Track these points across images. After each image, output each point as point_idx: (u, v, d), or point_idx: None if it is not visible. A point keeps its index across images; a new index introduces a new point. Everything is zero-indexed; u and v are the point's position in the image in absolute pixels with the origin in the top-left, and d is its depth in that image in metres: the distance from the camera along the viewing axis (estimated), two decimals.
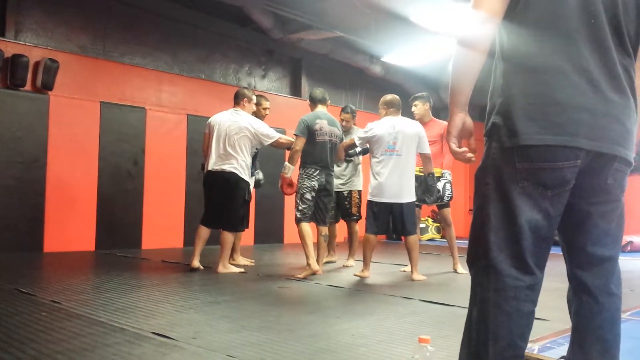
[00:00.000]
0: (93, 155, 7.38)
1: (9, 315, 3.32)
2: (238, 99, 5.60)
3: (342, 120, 6.29)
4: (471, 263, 1.73)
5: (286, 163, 5.37)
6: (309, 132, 5.30)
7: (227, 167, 5.34)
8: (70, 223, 7.11)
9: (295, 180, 5.40)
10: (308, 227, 5.28)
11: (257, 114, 5.93)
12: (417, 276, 5.20)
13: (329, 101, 5.74)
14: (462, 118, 1.70)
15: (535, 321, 1.68)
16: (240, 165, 5.36)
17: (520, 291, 1.62)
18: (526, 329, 1.64)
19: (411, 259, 5.24)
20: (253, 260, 6.24)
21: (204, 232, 5.45)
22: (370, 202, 5.21)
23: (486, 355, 1.61)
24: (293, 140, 5.39)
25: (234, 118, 5.44)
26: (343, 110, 6.44)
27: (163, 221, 7.91)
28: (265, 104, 6.17)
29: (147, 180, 7.84)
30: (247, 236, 8.39)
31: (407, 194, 5.15)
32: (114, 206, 7.51)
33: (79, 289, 4.37)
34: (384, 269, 6.02)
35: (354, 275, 5.34)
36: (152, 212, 7.83)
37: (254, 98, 5.75)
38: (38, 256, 6.55)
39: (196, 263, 5.42)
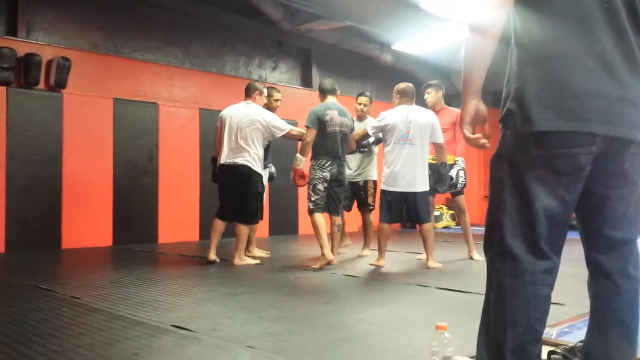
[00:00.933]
0: (108, 151, 7.44)
1: (31, 311, 3.37)
2: (249, 92, 5.61)
3: (361, 104, 6.21)
4: (487, 249, 1.73)
5: (297, 155, 5.38)
6: (320, 123, 5.30)
7: (239, 160, 5.35)
8: (87, 219, 7.18)
9: (307, 171, 5.41)
10: (321, 218, 5.29)
11: (269, 106, 5.94)
12: (432, 264, 5.20)
13: (339, 91, 5.73)
14: (475, 105, 1.70)
15: (552, 306, 1.68)
16: (253, 158, 5.37)
17: (537, 275, 1.62)
18: (544, 313, 1.65)
19: (426, 246, 5.24)
20: (268, 252, 6.27)
21: (219, 225, 5.48)
22: (383, 191, 5.21)
23: (504, 340, 1.61)
24: (304, 132, 5.39)
25: (245, 111, 5.45)
26: (361, 94, 6.35)
27: (179, 215, 7.96)
28: (277, 95, 6.18)
29: (162, 175, 7.89)
30: (262, 228, 8.41)
31: (421, 183, 5.14)
32: (129, 201, 7.57)
33: (98, 284, 4.42)
34: (399, 257, 6.02)
35: (369, 264, 5.35)
36: (168, 206, 7.89)
37: (265, 91, 5.76)
38: (56, 253, 6.63)
39: (212, 256, 5.45)
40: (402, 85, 5.41)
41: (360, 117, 6.20)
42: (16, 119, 6.74)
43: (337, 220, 5.49)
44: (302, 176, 5.39)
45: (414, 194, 5.10)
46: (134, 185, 7.66)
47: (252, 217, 5.53)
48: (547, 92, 1.57)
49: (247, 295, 3.96)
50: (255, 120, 5.39)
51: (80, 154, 7.19)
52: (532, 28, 1.63)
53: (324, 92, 5.54)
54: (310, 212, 5.30)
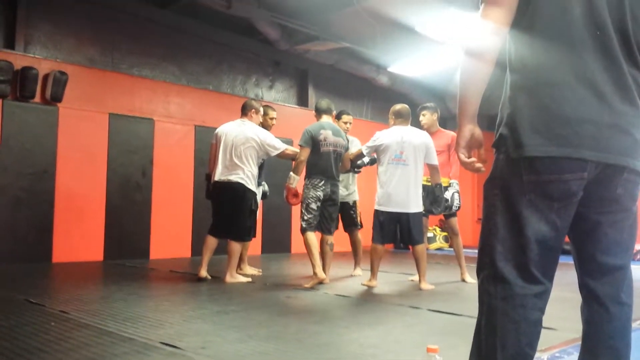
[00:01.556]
0: (102, 166, 7.42)
1: (19, 325, 3.33)
2: (245, 110, 5.62)
3: (347, 122, 6.15)
4: (479, 272, 1.73)
5: (291, 173, 5.39)
6: (314, 142, 5.31)
7: (233, 178, 5.35)
8: (78, 234, 7.14)
9: (300, 190, 5.41)
10: (314, 237, 5.28)
11: (264, 124, 5.95)
12: (425, 285, 5.18)
13: (335, 112, 5.75)
14: (470, 129, 1.71)
15: (544, 330, 1.68)
16: (247, 176, 5.37)
17: (528, 299, 1.62)
18: (534, 337, 1.64)
19: (419, 268, 5.23)
20: (260, 270, 6.24)
21: (211, 242, 5.46)
22: (376, 211, 5.20)
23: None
24: (298, 151, 5.40)
25: (241, 129, 5.46)
26: (345, 113, 6.25)
27: (171, 231, 7.92)
28: (272, 114, 6.19)
29: (155, 191, 7.86)
30: (255, 246, 8.37)
31: (414, 204, 5.14)
32: (122, 217, 7.54)
33: (87, 299, 4.38)
34: (391, 278, 6.00)
35: (362, 284, 5.32)
36: (160, 222, 7.85)
37: (262, 110, 5.78)
38: (47, 267, 6.58)
39: (204, 273, 5.42)
40: (397, 106, 5.45)
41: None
42: (11, 131, 6.72)
43: (330, 239, 5.47)
44: (295, 195, 5.39)
45: (407, 214, 5.10)
46: (126, 200, 7.62)
47: (245, 235, 5.51)
48: (539, 118, 1.58)
49: (237, 314, 3.93)
50: (250, 138, 5.39)
51: (74, 168, 7.16)
52: (525, 54, 1.64)
53: (319, 112, 5.57)
54: (303, 231, 5.29)
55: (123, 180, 7.61)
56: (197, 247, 7.20)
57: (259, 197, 5.86)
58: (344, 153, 5.53)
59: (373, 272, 5.26)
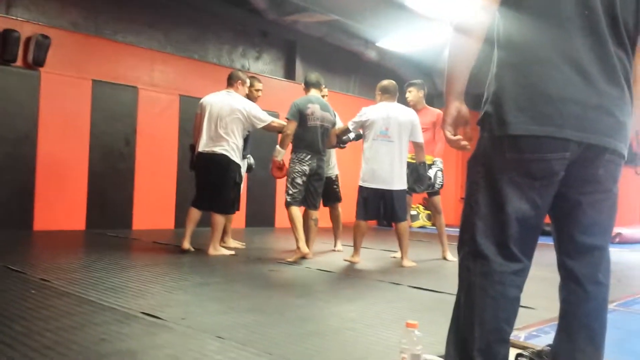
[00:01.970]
0: (84, 133, 7.34)
1: None
2: (232, 81, 5.57)
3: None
4: (459, 248, 1.76)
5: (277, 147, 5.37)
6: (301, 116, 5.29)
7: (217, 149, 5.32)
8: (60, 201, 7.09)
9: (286, 164, 5.40)
10: (298, 211, 5.29)
11: (250, 96, 5.90)
12: (407, 262, 5.24)
13: (323, 85, 5.72)
14: (457, 106, 1.71)
15: (522, 309, 1.71)
16: (232, 147, 5.34)
17: (506, 276, 1.65)
18: (512, 313, 1.67)
19: (401, 245, 5.27)
20: (244, 243, 6.25)
21: (194, 214, 5.45)
22: (361, 188, 5.22)
23: (472, 338, 1.63)
24: (285, 124, 5.38)
25: (227, 100, 5.41)
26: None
27: (154, 202, 7.90)
28: (258, 85, 6.14)
29: (139, 161, 7.81)
30: (239, 219, 8.38)
31: (398, 181, 5.16)
32: (105, 185, 7.49)
33: (68, 268, 4.37)
34: (374, 254, 6.05)
35: (344, 260, 5.36)
36: (144, 192, 7.82)
37: (248, 81, 5.73)
38: (28, 234, 6.54)
39: (187, 245, 5.42)
40: (384, 82, 5.43)
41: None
42: None
43: (315, 214, 5.49)
44: (280, 168, 5.38)
45: (391, 191, 5.12)
46: (109, 169, 7.57)
47: (229, 207, 5.51)
48: (524, 97, 1.59)
49: (219, 286, 3.94)
50: (235, 110, 5.35)
51: (56, 134, 7.08)
52: (513, 31, 1.64)
53: (307, 85, 5.53)
54: (287, 205, 5.30)
55: (106, 149, 7.55)
56: (180, 219, 7.19)
57: (243, 169, 5.85)
58: (331, 128, 5.51)
59: (356, 248, 5.30)
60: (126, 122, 7.73)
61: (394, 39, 9.59)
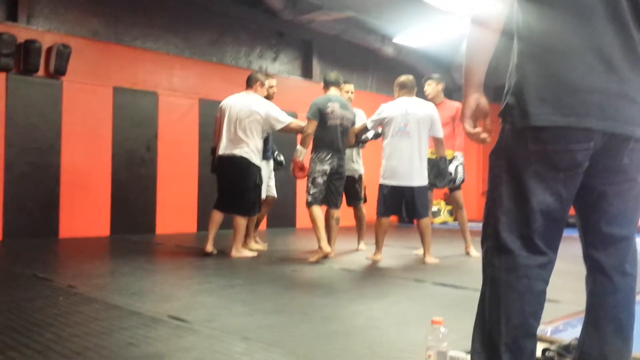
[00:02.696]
0: (106, 140, 7.43)
1: (27, 300, 3.38)
2: (251, 82, 5.60)
3: (348, 92, 6.09)
4: (483, 243, 1.74)
5: (298, 146, 5.38)
6: (321, 115, 5.29)
7: (237, 152, 5.34)
8: (84, 209, 7.19)
9: (307, 164, 5.41)
10: (319, 211, 5.30)
11: (266, 95, 5.95)
12: (429, 259, 5.22)
13: (343, 84, 5.71)
14: (476, 98, 1.70)
15: (547, 303, 1.69)
16: (252, 150, 5.36)
17: (532, 270, 1.63)
18: (538, 307, 1.66)
19: (424, 242, 5.25)
20: (266, 244, 6.28)
21: (217, 216, 5.49)
22: (381, 185, 5.21)
23: (499, 334, 1.62)
24: (303, 124, 5.39)
25: (246, 102, 5.44)
26: (346, 82, 6.13)
27: (176, 206, 7.97)
28: (271, 82, 6.11)
29: (160, 166, 7.89)
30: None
31: (419, 177, 5.14)
32: (127, 191, 7.58)
33: (94, 274, 4.43)
34: (396, 252, 6.04)
35: (367, 258, 5.36)
36: (166, 197, 7.89)
37: (267, 82, 5.75)
38: (53, 242, 6.64)
39: (210, 247, 5.46)
40: (402, 77, 5.41)
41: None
42: (15, 105, 6.73)
43: (336, 213, 5.49)
44: (302, 168, 5.39)
45: (412, 188, 5.10)
46: (132, 175, 7.66)
47: (250, 209, 5.53)
48: (546, 87, 1.57)
49: (243, 287, 3.97)
50: (254, 112, 5.38)
51: (79, 142, 7.18)
52: (533, 21, 1.62)
53: (327, 84, 5.52)
54: (309, 204, 5.31)
55: (128, 155, 7.63)
56: (202, 222, 7.25)
57: (265, 171, 5.87)
58: (350, 127, 5.51)
59: (378, 246, 5.29)
60: (147, 127, 7.81)
61: (410, 34, 9.55)
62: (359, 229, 6.24)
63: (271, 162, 6.02)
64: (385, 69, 10.90)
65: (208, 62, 8.64)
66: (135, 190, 7.66)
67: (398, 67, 10.05)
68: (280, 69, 9.79)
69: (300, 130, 5.44)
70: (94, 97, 7.33)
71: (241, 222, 5.39)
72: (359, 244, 6.22)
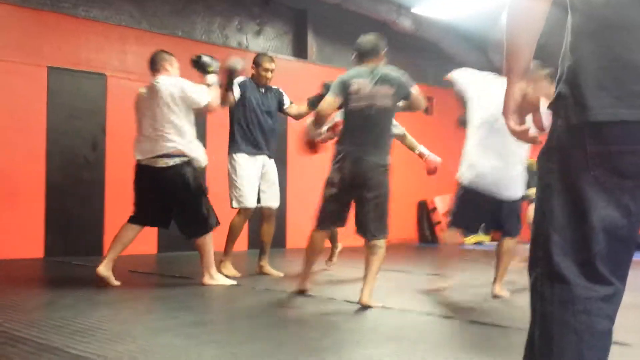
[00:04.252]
0: (40, 135, 7.43)
1: None
2: (156, 66, 5.56)
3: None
4: (530, 269, 1.74)
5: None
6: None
7: (164, 155, 5.30)
8: (11, 224, 7.16)
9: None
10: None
11: (257, 78, 6.03)
12: (499, 290, 5.19)
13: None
14: (522, 88, 1.71)
15: (613, 346, 1.69)
16: (182, 144, 5.31)
17: (593, 304, 1.63)
18: (602, 352, 1.65)
19: (498, 267, 5.22)
20: (281, 273, 6.30)
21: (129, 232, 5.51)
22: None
23: None
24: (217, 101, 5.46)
25: (155, 89, 5.40)
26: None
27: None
28: (268, 64, 6.14)
29: (109, 169, 7.88)
30: (240, 241, 8.40)
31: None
32: (67, 202, 7.57)
33: (24, 307, 4.42)
34: (415, 279, 6.05)
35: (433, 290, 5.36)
36: (117, 208, 7.86)
37: (174, 62, 5.70)
38: None
39: (103, 270, 5.31)
40: None
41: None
42: None
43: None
44: (310, 144, 5.43)
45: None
46: (72, 180, 7.66)
47: (209, 222, 5.46)
48: (607, 72, 1.57)
49: (217, 325, 3.97)
50: (168, 95, 5.31)
51: (4, 139, 7.17)
52: None
53: (360, 57, 5.14)
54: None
55: (67, 154, 7.63)
56: (165, 241, 7.24)
57: (251, 170, 5.92)
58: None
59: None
60: (92, 119, 7.81)
61: (433, 3, 9.59)
62: None
63: (261, 157, 6.05)
64: (401, 47, 10.90)
65: (171, 36, 8.65)
66: (76, 200, 7.65)
67: (417, 44, 10.11)
68: (265, 46, 9.80)
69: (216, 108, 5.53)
70: (23, 79, 7.32)
71: (205, 241, 5.38)
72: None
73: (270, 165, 6.24)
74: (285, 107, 6.30)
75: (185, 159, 5.29)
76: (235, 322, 4.11)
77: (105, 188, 7.87)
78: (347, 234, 5.84)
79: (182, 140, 5.27)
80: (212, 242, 5.45)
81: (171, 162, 5.25)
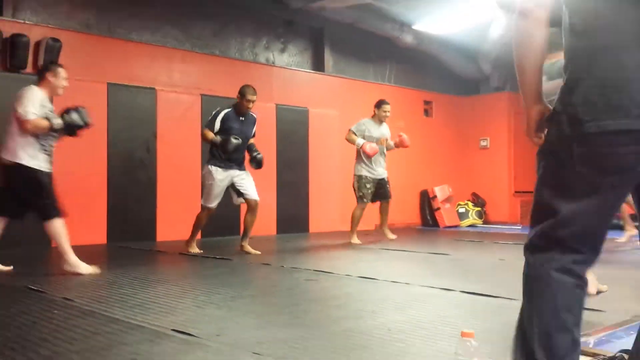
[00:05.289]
0: (102, 141, 7.48)
1: (19, 314, 3.41)
2: (41, 76, 5.33)
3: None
4: (525, 246, 1.79)
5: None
6: None
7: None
8: (79, 215, 7.21)
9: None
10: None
11: (240, 106, 6.10)
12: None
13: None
14: (539, 110, 1.73)
15: (591, 312, 1.70)
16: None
17: (565, 264, 1.67)
18: (572, 301, 1.68)
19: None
20: (258, 251, 6.25)
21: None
22: None
23: (532, 333, 1.66)
24: (44, 125, 5.18)
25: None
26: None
27: (179, 211, 7.98)
28: (251, 96, 6.12)
29: (161, 168, 7.93)
30: (269, 225, 8.45)
31: None
32: (125, 196, 7.62)
33: (91, 285, 4.47)
34: (420, 257, 6.02)
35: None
36: (167, 201, 7.93)
37: (61, 71, 5.46)
38: (46, 250, 6.68)
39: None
40: None
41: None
42: (1, 105, 6.78)
43: None
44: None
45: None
46: (130, 178, 7.71)
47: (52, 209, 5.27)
48: (595, 89, 1.57)
49: (254, 299, 3.99)
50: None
51: (72, 144, 7.20)
52: (581, 13, 1.62)
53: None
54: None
55: (125, 157, 7.68)
56: (208, 227, 7.27)
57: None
58: None
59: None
60: (145, 127, 7.85)
61: (432, 20, 9.51)
62: (385, 219, 7.49)
63: (232, 170, 6.15)
64: (404, 60, 10.87)
65: (210, 55, 8.68)
66: (133, 195, 7.70)
67: (419, 57, 10.03)
68: (289, 61, 9.79)
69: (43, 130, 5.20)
70: (87, 94, 7.35)
71: (54, 227, 5.12)
72: (388, 233, 7.44)
73: (243, 172, 6.28)
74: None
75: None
76: (269, 296, 4.13)
77: (157, 184, 7.91)
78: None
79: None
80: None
81: None
